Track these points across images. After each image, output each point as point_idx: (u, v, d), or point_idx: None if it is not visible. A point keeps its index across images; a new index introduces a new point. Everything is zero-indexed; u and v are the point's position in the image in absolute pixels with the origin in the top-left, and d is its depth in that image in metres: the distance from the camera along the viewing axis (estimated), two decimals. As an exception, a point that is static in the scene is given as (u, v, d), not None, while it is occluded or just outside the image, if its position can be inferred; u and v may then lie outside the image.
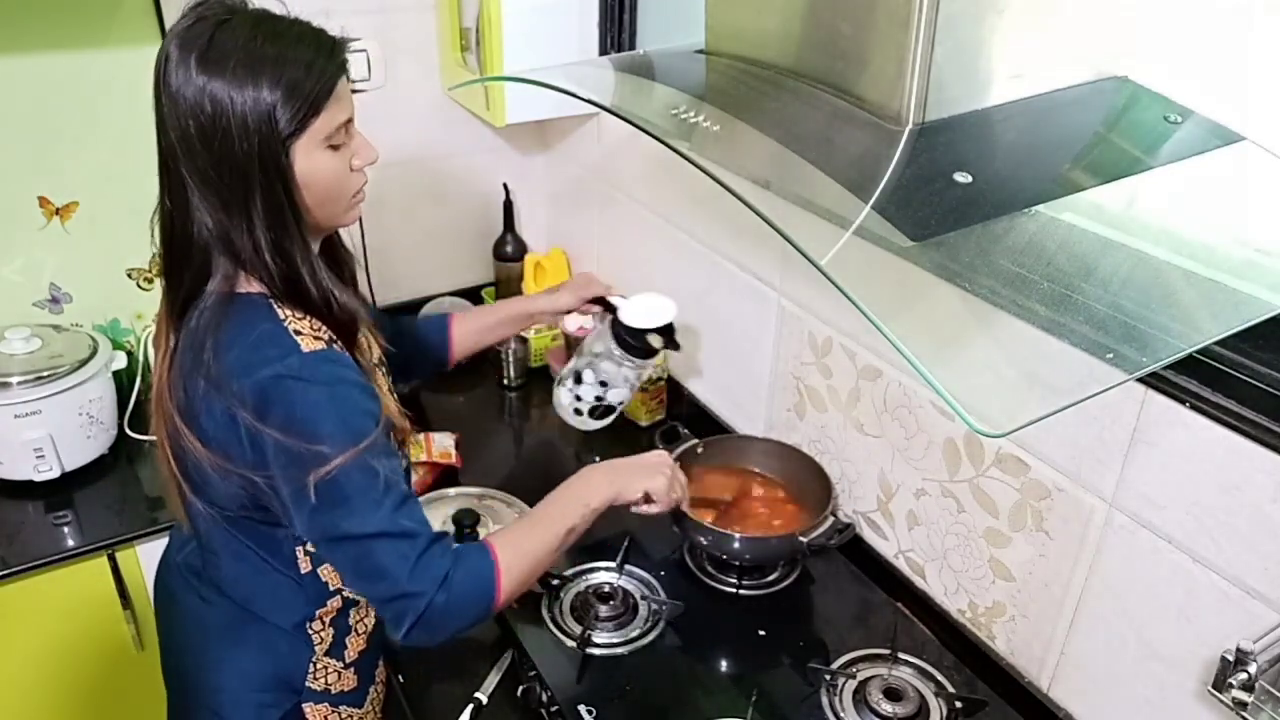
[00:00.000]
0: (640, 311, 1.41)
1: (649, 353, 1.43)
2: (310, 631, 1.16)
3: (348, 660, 1.21)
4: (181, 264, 1.02)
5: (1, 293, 1.77)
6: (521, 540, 1.10)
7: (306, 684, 1.18)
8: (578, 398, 1.51)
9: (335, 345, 1.03)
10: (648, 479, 1.22)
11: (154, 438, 1.11)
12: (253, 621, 1.15)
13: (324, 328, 1.04)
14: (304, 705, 1.18)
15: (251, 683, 1.17)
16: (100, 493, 1.68)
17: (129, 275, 1.87)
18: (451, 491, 1.64)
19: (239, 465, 1.01)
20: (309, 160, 0.98)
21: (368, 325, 1.13)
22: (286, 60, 0.94)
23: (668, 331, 1.41)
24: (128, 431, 1.79)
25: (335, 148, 1.01)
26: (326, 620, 1.17)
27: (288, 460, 0.98)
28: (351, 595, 1.18)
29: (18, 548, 1.56)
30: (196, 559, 1.19)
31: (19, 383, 1.59)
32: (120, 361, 1.75)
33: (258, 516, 1.08)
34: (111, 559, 1.61)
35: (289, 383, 0.97)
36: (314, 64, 0.96)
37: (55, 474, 1.65)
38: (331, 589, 1.16)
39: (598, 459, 1.39)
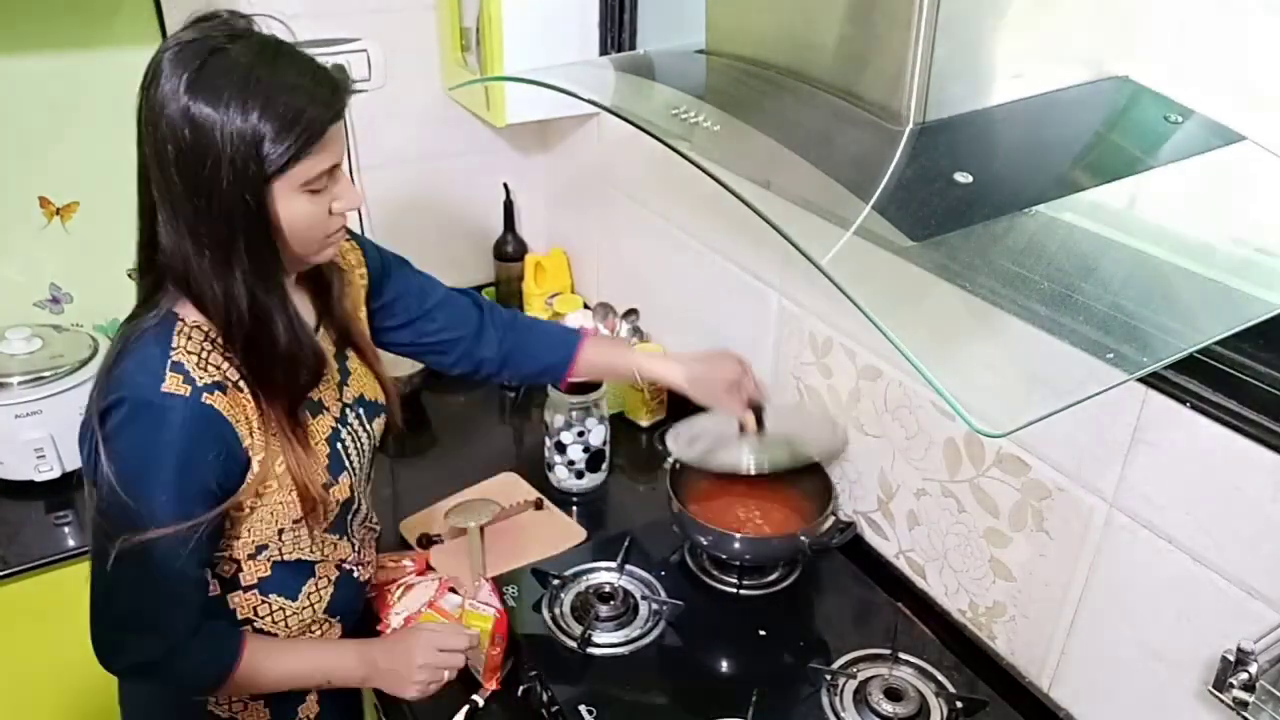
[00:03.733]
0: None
1: (591, 387, 1.57)
2: None
3: (253, 694, 1.16)
4: (145, 273, 1.01)
5: (2, 293, 1.77)
6: (270, 664, 1.10)
7: (209, 708, 1.15)
8: (571, 462, 1.64)
9: (211, 394, 0.96)
10: (394, 686, 1.17)
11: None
12: None
13: (223, 370, 0.99)
14: None
15: (152, 707, 1.18)
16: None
17: (129, 275, 1.84)
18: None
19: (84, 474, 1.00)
20: (285, 202, 0.95)
21: (325, 375, 1.09)
22: (281, 96, 0.90)
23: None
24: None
25: (314, 192, 0.97)
26: None
27: (106, 499, 0.96)
28: (267, 629, 1.14)
29: (18, 547, 1.56)
30: None
31: (19, 383, 1.59)
32: (121, 361, 1.75)
33: None
34: (112, 559, 1.61)
35: (127, 414, 0.94)
36: (309, 106, 0.92)
37: (56, 474, 1.65)
38: (240, 618, 1.12)
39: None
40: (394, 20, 1.89)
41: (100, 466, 0.95)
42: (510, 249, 2.16)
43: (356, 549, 1.22)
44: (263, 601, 1.13)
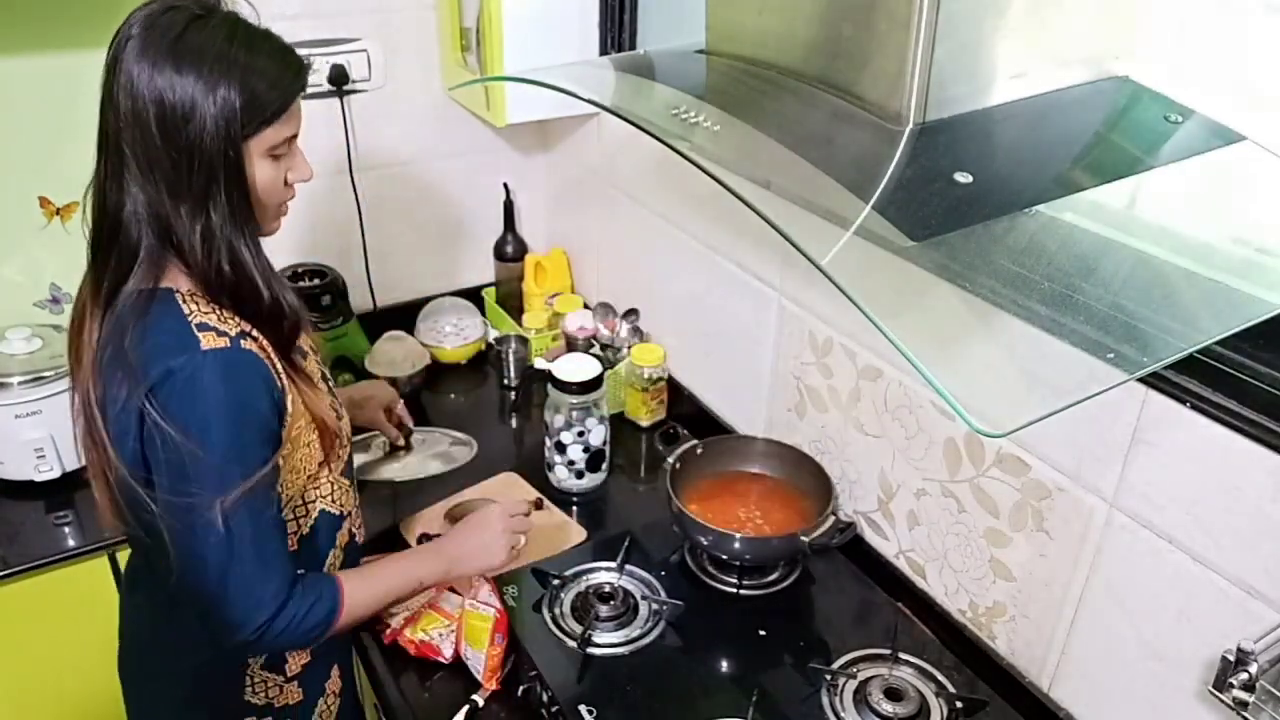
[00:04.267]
0: (573, 370, 1.60)
1: (591, 386, 1.60)
2: None
3: (289, 674, 1.19)
4: (109, 243, 1.02)
5: (2, 293, 1.77)
6: (366, 587, 1.16)
7: (245, 698, 1.16)
8: (571, 462, 1.64)
9: (245, 341, 1.01)
10: (484, 556, 1.26)
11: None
12: (184, 634, 1.14)
13: (238, 321, 1.03)
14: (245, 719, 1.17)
15: (187, 700, 1.17)
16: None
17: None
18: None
19: (125, 463, 1.01)
20: (251, 164, 1.01)
21: (306, 329, 1.14)
22: (255, 67, 0.97)
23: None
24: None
25: (275, 158, 1.04)
26: None
27: (179, 471, 0.98)
28: None
29: (18, 547, 1.56)
30: (140, 559, 1.19)
31: (19, 383, 1.59)
32: (121, 361, 1.75)
33: None
34: (111, 559, 1.61)
35: (183, 382, 0.97)
36: (280, 76, 1.00)
37: (56, 474, 1.65)
38: None
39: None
40: (394, 20, 1.89)
41: (165, 440, 0.97)
42: (510, 249, 2.16)
43: (356, 501, 1.26)
44: None
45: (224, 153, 0.97)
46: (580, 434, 1.62)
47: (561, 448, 1.63)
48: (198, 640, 1.12)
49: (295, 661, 1.19)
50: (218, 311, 1.02)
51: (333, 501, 1.19)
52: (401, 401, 1.62)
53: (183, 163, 0.96)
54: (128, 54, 0.95)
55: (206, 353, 0.98)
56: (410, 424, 1.65)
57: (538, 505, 1.62)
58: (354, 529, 1.26)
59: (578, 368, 1.57)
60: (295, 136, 1.06)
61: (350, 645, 1.34)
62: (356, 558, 1.28)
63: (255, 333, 1.04)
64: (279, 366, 1.06)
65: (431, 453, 1.71)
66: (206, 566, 1.02)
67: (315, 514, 1.17)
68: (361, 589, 1.15)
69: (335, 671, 1.27)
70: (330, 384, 1.22)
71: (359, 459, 1.61)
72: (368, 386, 1.63)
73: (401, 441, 1.64)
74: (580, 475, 1.66)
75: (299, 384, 1.09)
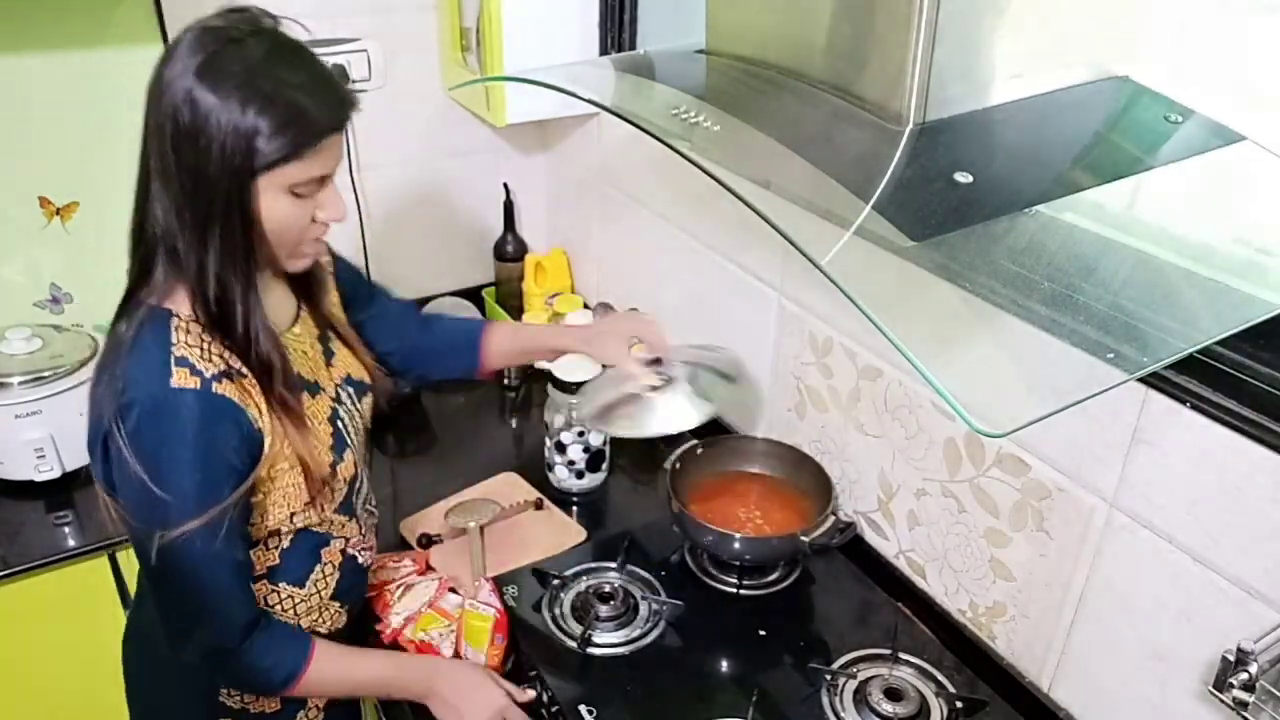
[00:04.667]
0: (572, 369, 1.55)
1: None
2: None
3: None
4: (134, 251, 1.02)
5: (2, 293, 1.77)
6: (337, 668, 1.14)
7: (221, 700, 1.17)
8: (571, 462, 1.64)
9: (219, 383, 0.98)
10: (463, 712, 1.18)
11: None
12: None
13: (225, 358, 1.01)
14: None
15: (169, 695, 1.18)
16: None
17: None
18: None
19: (101, 483, 1.02)
20: (269, 199, 0.96)
21: (287, 375, 1.08)
22: (284, 95, 0.92)
23: None
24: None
25: (299, 196, 0.98)
26: None
27: (136, 500, 0.98)
28: (281, 618, 1.16)
29: (18, 547, 1.56)
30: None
31: (20, 383, 1.59)
32: (121, 361, 1.75)
33: None
34: (112, 559, 1.61)
35: (146, 415, 0.96)
36: (310, 110, 0.94)
37: (56, 474, 1.66)
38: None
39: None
40: (394, 20, 1.89)
41: (125, 468, 0.97)
42: (510, 249, 2.16)
43: (362, 531, 1.24)
44: (273, 590, 1.14)
45: (227, 185, 0.93)
46: (580, 434, 1.62)
47: (561, 448, 1.63)
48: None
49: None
50: (204, 345, 1.00)
51: (322, 527, 1.16)
52: (654, 325, 1.37)
53: (188, 185, 0.94)
54: (166, 65, 0.93)
55: (174, 391, 0.96)
56: (669, 353, 1.35)
57: (538, 505, 1.62)
58: (356, 550, 1.22)
59: (578, 368, 1.57)
60: (327, 178, 1.00)
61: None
62: (358, 579, 1.26)
63: (244, 370, 1.01)
64: (261, 407, 1.02)
65: (696, 388, 1.33)
66: (159, 590, 1.04)
67: (300, 543, 1.15)
68: (332, 667, 1.13)
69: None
70: (345, 426, 1.17)
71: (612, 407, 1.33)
72: (606, 321, 1.46)
73: (657, 382, 1.31)
74: (580, 475, 1.66)
75: (286, 424, 1.05)
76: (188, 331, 0.99)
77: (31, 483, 1.65)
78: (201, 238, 0.96)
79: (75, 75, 1.69)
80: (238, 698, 1.17)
